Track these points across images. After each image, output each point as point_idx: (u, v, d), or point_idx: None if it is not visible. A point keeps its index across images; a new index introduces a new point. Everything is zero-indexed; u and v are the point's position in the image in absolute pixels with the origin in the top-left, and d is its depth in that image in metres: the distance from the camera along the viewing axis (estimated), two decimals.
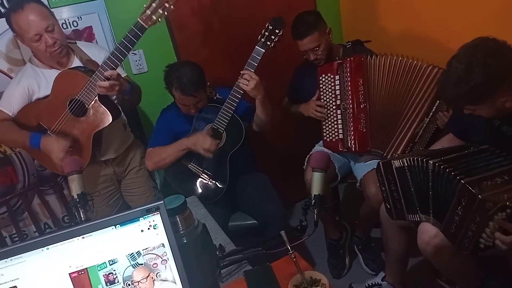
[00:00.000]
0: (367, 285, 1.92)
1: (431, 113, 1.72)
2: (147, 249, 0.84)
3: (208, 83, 1.91)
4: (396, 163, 1.37)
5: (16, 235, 2.04)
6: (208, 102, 1.93)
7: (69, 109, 1.62)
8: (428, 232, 1.37)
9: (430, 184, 1.28)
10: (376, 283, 1.90)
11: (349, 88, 1.79)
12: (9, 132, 1.67)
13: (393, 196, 1.44)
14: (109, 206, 1.93)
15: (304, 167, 2.04)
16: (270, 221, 1.85)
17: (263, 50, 1.72)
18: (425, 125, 1.74)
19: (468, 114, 1.32)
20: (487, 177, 1.15)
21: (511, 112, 1.24)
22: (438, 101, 1.69)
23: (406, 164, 1.32)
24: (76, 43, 1.78)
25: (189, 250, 0.89)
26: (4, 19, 1.65)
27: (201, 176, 1.90)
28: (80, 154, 1.66)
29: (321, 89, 1.89)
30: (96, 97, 1.58)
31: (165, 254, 0.85)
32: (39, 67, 1.69)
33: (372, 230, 2.21)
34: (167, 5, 1.47)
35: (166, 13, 1.49)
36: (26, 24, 1.53)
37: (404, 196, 1.40)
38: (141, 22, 1.49)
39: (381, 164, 1.43)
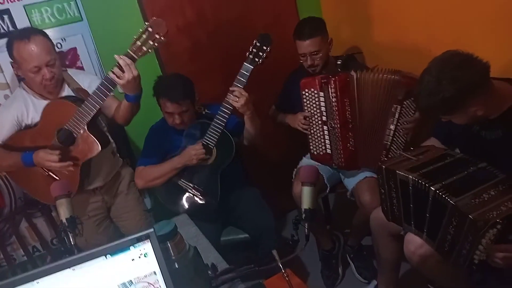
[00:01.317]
0: None
1: (396, 119, 1.76)
2: (139, 278, 0.84)
3: (197, 99, 1.92)
4: (402, 177, 1.36)
5: (4, 260, 2.00)
6: (197, 118, 1.94)
7: (57, 138, 1.60)
8: (414, 242, 1.39)
9: (429, 208, 1.28)
10: None
11: (336, 108, 1.81)
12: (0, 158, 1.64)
13: (392, 202, 1.45)
14: (99, 234, 1.89)
15: (292, 180, 2.05)
16: (262, 235, 1.85)
17: (251, 66, 1.73)
18: (392, 132, 1.77)
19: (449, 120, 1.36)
20: (474, 194, 1.17)
21: (487, 118, 1.29)
22: (399, 106, 1.73)
23: (411, 182, 1.32)
24: (66, 70, 1.77)
25: (181, 275, 0.90)
26: None
27: (192, 192, 1.90)
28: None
29: (305, 104, 1.91)
30: (85, 127, 1.57)
31: (157, 281, 0.85)
32: (29, 94, 1.68)
33: (363, 238, 2.22)
34: (157, 36, 1.46)
35: (156, 44, 1.47)
36: (29, 55, 1.52)
37: (404, 207, 1.41)
38: (131, 53, 1.48)
39: (384, 169, 1.43)
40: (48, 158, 1.55)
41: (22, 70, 1.58)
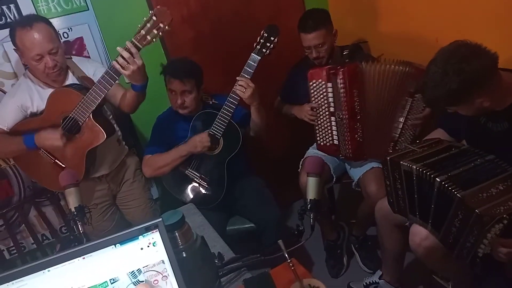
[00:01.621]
0: (365, 284, 1.95)
1: (406, 112, 1.75)
2: (148, 266, 0.85)
3: (203, 86, 1.92)
4: (406, 167, 1.36)
5: (13, 248, 2.04)
6: (203, 107, 1.94)
7: (63, 126, 1.61)
8: (420, 234, 1.40)
9: (434, 203, 1.28)
10: (374, 281, 1.93)
11: (345, 98, 1.79)
12: (4, 142, 1.66)
13: (398, 193, 1.45)
14: (105, 221, 1.92)
15: (299, 170, 2.05)
16: (267, 225, 1.87)
17: (259, 57, 1.73)
18: (401, 124, 1.78)
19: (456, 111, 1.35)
20: (482, 188, 1.16)
21: (493, 110, 1.28)
22: (410, 99, 1.72)
23: (415, 173, 1.32)
24: (71, 58, 1.77)
25: (189, 264, 0.91)
26: None
27: (199, 182, 1.91)
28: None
29: (313, 95, 1.90)
30: (90, 115, 1.58)
31: (165, 270, 0.86)
32: (33, 82, 1.68)
33: (368, 228, 2.23)
34: (161, 25, 1.45)
35: (161, 33, 1.47)
36: (31, 43, 1.52)
37: (409, 198, 1.42)
38: (136, 42, 1.47)
39: (389, 160, 1.43)
40: (50, 136, 1.56)
41: (25, 58, 1.59)
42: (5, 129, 1.67)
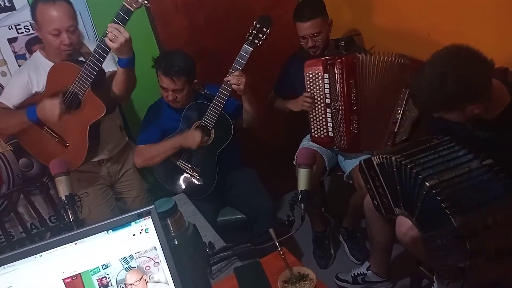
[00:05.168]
0: (353, 275, 1.98)
1: (404, 103, 1.75)
2: (140, 253, 0.86)
3: (196, 81, 1.91)
4: (377, 160, 1.36)
5: (2, 236, 2.02)
6: (195, 98, 1.94)
7: (63, 101, 1.60)
8: (405, 225, 1.41)
9: (421, 202, 1.24)
10: (362, 272, 1.95)
11: (341, 90, 1.80)
12: (7, 117, 1.68)
13: (379, 192, 1.45)
14: (105, 203, 1.92)
15: (294, 162, 2.06)
16: (258, 216, 1.88)
17: (251, 48, 1.73)
18: (399, 116, 1.77)
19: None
20: (480, 217, 1.10)
21: (480, 118, 1.26)
22: (408, 90, 1.72)
23: (394, 164, 1.28)
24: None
25: (181, 252, 0.92)
26: None
27: (190, 172, 1.92)
28: (77, 148, 1.67)
29: (309, 85, 1.89)
30: (90, 88, 1.58)
31: (157, 256, 0.87)
32: (43, 60, 1.70)
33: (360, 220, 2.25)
34: None
35: None
36: (51, 18, 1.56)
37: (390, 191, 1.40)
38: (127, 6, 1.49)
39: (362, 162, 1.44)
40: (49, 104, 1.57)
41: (42, 32, 1.61)
42: (10, 107, 1.68)
